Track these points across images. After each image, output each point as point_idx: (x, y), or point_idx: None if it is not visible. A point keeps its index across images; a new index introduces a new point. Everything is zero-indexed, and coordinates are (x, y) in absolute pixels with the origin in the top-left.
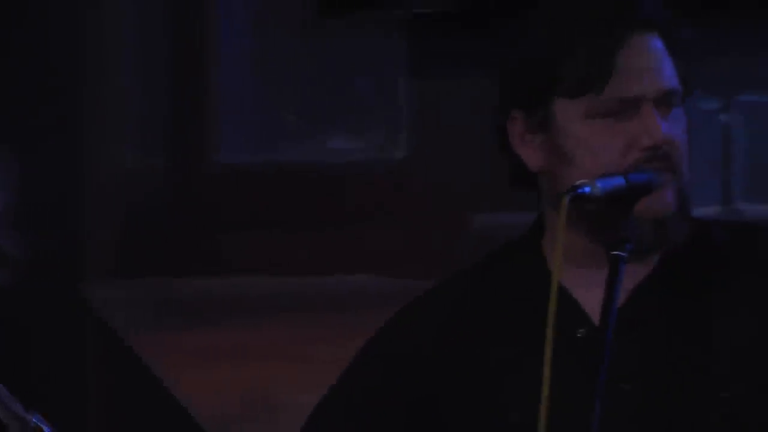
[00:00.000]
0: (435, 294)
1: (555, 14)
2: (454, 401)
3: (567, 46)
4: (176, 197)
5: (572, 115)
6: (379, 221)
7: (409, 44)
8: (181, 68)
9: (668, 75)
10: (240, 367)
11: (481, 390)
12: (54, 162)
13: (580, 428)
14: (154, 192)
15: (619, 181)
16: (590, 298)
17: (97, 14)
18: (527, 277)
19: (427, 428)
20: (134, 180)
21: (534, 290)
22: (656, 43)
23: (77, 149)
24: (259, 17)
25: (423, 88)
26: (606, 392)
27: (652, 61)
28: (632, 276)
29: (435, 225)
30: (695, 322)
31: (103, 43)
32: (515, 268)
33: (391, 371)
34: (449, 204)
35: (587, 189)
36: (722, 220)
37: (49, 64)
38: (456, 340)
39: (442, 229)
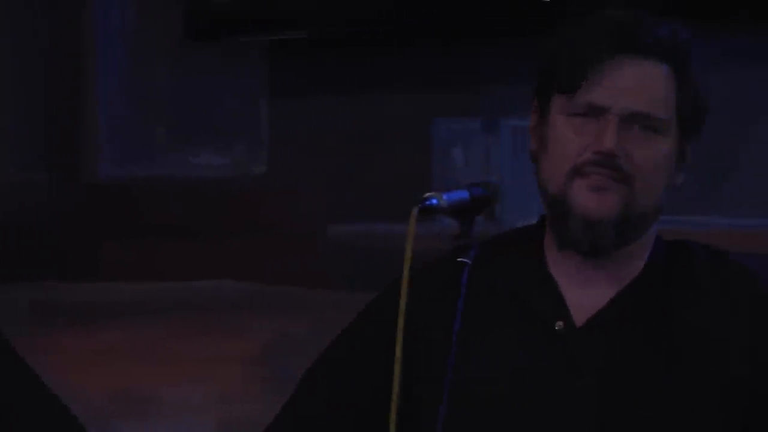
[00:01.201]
0: (431, 269)
1: (575, 29)
2: (428, 371)
3: (568, 52)
4: (58, 208)
5: (558, 109)
6: (242, 230)
7: (270, 68)
8: (60, 88)
9: (648, 100)
10: (114, 365)
11: (455, 365)
12: None
13: (550, 414)
14: (37, 203)
15: (463, 195)
16: (577, 296)
17: None
18: (519, 266)
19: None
20: (18, 192)
21: (523, 281)
22: (652, 70)
23: None
24: (133, 40)
25: (282, 108)
26: (573, 386)
27: (632, 83)
28: (616, 282)
29: (293, 234)
30: (666, 331)
31: None
32: (511, 256)
33: (379, 336)
34: (306, 215)
35: (434, 201)
36: (709, 245)
37: None
38: (440, 316)
39: (299, 238)
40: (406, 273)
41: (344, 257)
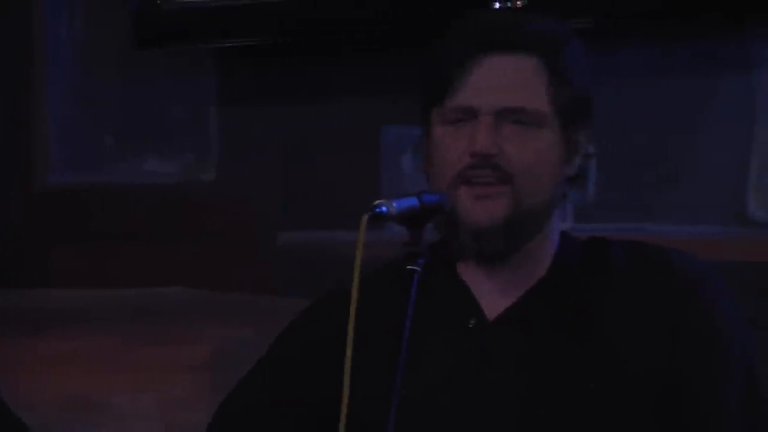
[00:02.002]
0: (378, 278)
1: (439, 41)
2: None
3: (433, 60)
4: (6, 214)
5: (436, 119)
6: (192, 238)
7: (219, 75)
8: (8, 96)
9: (518, 94)
10: (64, 373)
11: (376, 366)
12: None
13: (472, 410)
14: None
15: (413, 202)
16: (489, 297)
17: None
18: (438, 274)
19: (330, 403)
20: None
21: (441, 287)
22: (520, 64)
23: None
24: (82, 48)
25: (231, 115)
26: (486, 380)
27: (498, 80)
28: (526, 281)
29: (242, 241)
30: (580, 323)
31: None
32: (434, 264)
33: (304, 350)
34: (255, 222)
35: (384, 209)
36: (626, 241)
37: None
38: (388, 325)
39: (248, 245)
40: (355, 281)
41: (294, 265)
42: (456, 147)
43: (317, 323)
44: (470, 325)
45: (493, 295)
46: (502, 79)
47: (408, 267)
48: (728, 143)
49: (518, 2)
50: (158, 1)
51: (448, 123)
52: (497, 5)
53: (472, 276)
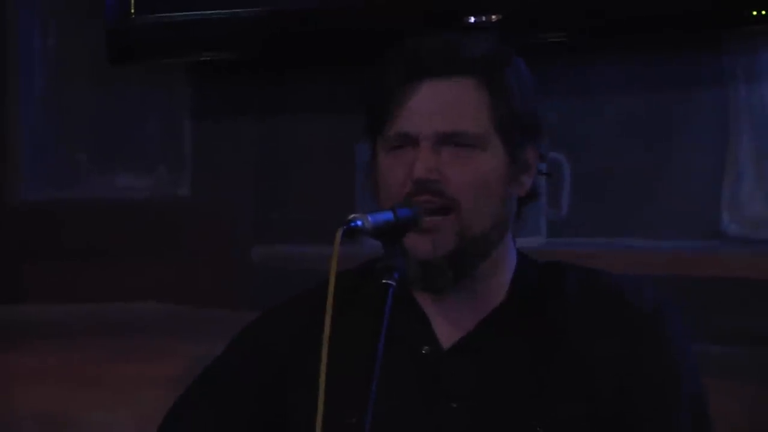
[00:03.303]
0: (303, 297)
1: (377, 67)
2: (299, 397)
3: (370, 89)
4: None
5: (380, 149)
6: (165, 252)
7: (193, 89)
8: None
9: (456, 118)
10: (36, 389)
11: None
12: None
13: None
14: None
15: (388, 216)
16: (444, 324)
17: None
18: (394, 300)
19: (274, 421)
20: None
21: (397, 312)
22: (456, 88)
23: None
24: (55, 62)
25: (205, 130)
26: (437, 408)
27: (435, 105)
28: (481, 307)
29: (216, 256)
30: (527, 356)
31: None
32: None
33: (250, 363)
34: (230, 236)
35: (359, 223)
36: (582, 268)
37: None
38: (311, 342)
39: (223, 259)
40: (330, 295)
41: (268, 279)
42: (398, 173)
43: (270, 332)
44: (423, 352)
45: (447, 323)
46: (440, 104)
47: (383, 281)
48: (702, 158)
49: (493, 17)
50: (132, 16)
51: (391, 149)
52: (472, 20)
53: (428, 303)
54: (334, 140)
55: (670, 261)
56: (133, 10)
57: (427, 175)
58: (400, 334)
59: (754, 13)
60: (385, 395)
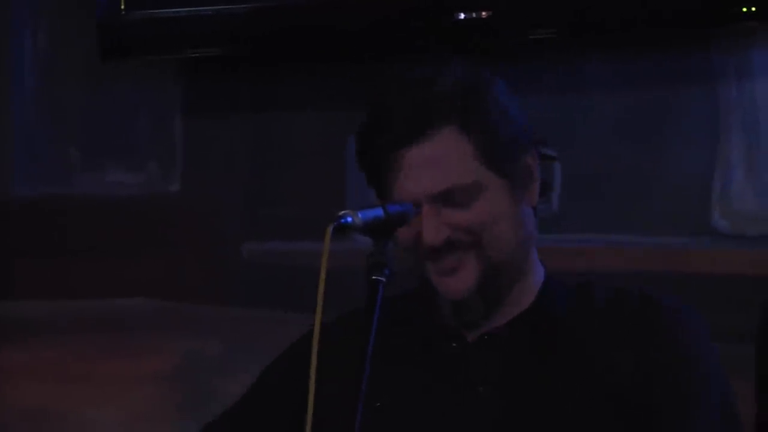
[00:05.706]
0: (352, 314)
1: (360, 134)
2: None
3: (362, 159)
4: None
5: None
6: (156, 249)
7: (183, 85)
8: None
9: (444, 175)
10: (26, 385)
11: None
12: None
13: (446, 424)
14: None
15: (378, 213)
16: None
17: None
18: (421, 304)
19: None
20: None
21: (423, 315)
22: (437, 144)
23: None
24: (46, 59)
25: (195, 126)
26: (464, 394)
27: (423, 167)
28: (508, 313)
29: (207, 252)
30: (551, 350)
31: None
32: (416, 297)
33: (295, 374)
34: (220, 233)
35: (349, 219)
36: (612, 285)
37: None
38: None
39: (213, 256)
40: (321, 291)
41: (259, 276)
42: (412, 230)
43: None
44: (453, 346)
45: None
46: (425, 166)
47: (373, 277)
48: (693, 154)
49: (483, 13)
50: (123, 12)
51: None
52: (462, 16)
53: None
54: (324, 136)
55: (661, 257)
56: (123, 7)
57: (437, 242)
58: (429, 336)
59: (744, 9)
60: (414, 384)
